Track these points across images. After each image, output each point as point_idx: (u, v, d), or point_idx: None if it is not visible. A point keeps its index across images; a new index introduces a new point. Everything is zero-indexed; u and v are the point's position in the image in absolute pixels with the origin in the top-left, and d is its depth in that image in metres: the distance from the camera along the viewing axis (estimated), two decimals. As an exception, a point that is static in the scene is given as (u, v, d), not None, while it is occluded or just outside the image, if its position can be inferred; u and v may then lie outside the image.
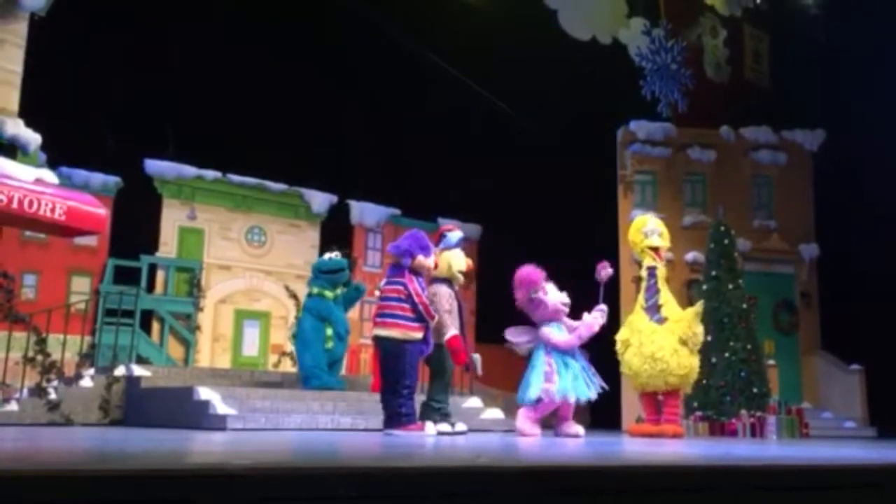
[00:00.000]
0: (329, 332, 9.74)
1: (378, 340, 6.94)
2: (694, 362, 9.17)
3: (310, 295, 9.93)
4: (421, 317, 6.88)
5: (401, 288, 6.87)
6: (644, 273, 9.60)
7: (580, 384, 7.86)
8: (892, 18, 14.44)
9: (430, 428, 6.86)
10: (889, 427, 13.11)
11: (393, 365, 6.81)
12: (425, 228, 16.13)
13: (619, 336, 9.41)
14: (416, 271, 7.00)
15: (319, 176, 14.91)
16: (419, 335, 6.82)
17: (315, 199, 15.14)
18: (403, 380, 6.78)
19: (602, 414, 14.10)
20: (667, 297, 9.45)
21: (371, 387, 9.92)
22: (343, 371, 10.74)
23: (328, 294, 9.85)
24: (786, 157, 16.31)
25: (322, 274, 9.90)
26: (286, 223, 15.05)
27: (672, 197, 15.94)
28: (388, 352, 6.84)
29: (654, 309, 9.29)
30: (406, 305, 6.82)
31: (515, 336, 8.14)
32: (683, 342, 9.08)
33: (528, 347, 8.09)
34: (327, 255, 10.24)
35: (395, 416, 6.77)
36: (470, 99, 15.30)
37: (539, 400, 7.74)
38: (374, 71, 14.56)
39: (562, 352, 7.92)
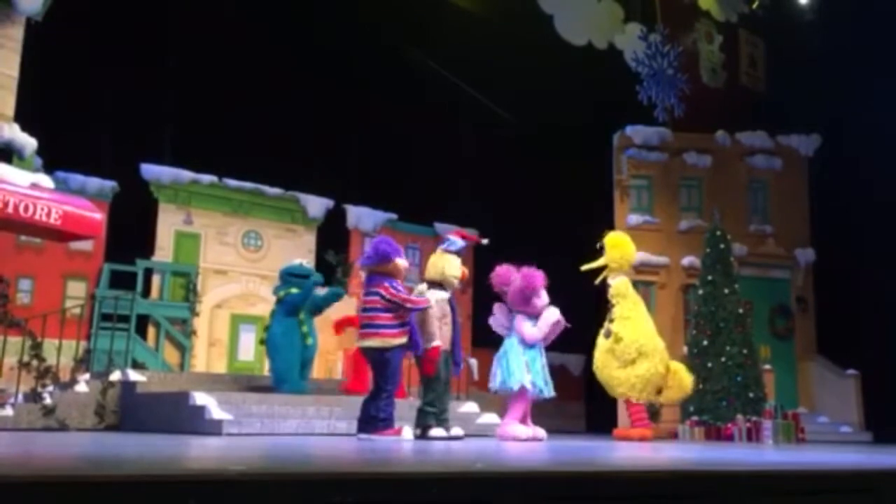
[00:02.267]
0: (305, 328, 9.76)
1: (364, 351, 7.05)
2: (623, 375, 9.88)
3: (279, 301, 9.92)
4: (402, 322, 6.92)
5: (376, 298, 6.88)
6: None
7: (539, 381, 8.08)
8: (887, 23, 14.50)
9: (408, 432, 6.83)
10: (884, 431, 13.13)
11: (377, 371, 6.92)
12: (422, 233, 16.30)
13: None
14: (388, 275, 6.99)
15: (316, 180, 14.90)
16: (400, 340, 6.88)
17: (311, 203, 15.13)
18: (386, 385, 6.85)
19: (597, 418, 14.14)
20: (621, 312, 10.04)
21: (342, 387, 9.95)
22: (313, 374, 10.80)
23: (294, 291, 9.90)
24: (781, 162, 16.35)
25: (290, 277, 9.95)
26: (282, 228, 15.02)
27: (668, 202, 15.97)
28: (374, 360, 6.94)
29: (607, 325, 9.99)
30: (384, 314, 6.85)
31: (499, 313, 8.39)
32: (614, 355, 9.91)
33: (501, 331, 8.39)
34: (297, 261, 10.34)
35: (372, 420, 6.78)
36: (466, 104, 15.31)
37: (522, 389, 7.98)
38: (371, 76, 14.57)
39: (532, 346, 8.13)
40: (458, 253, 7.88)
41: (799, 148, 16.52)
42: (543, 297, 8.30)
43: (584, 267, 10.19)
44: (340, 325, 10.87)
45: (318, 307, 10.20)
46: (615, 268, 10.25)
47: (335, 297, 10.47)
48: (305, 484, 2.33)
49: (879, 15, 14.54)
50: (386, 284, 6.89)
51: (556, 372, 10.41)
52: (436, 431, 7.27)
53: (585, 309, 10.92)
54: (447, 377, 7.72)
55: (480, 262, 15.40)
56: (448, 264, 7.73)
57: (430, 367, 7.36)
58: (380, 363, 6.86)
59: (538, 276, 8.26)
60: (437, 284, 7.65)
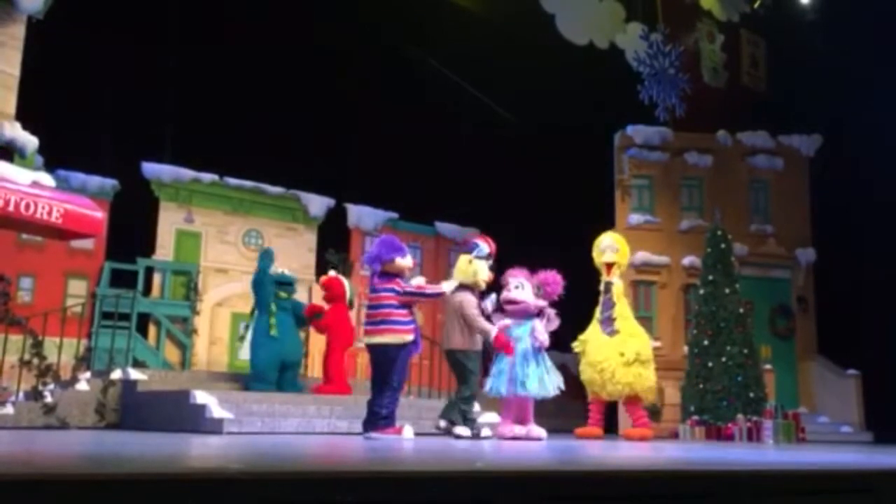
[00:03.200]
0: (274, 331, 9.73)
1: (372, 347, 6.94)
2: (643, 372, 9.97)
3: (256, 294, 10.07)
4: (412, 319, 6.95)
5: (390, 294, 6.88)
6: (602, 287, 10.28)
7: (499, 382, 8.19)
8: (888, 23, 14.49)
9: (409, 432, 6.84)
10: (885, 432, 13.13)
11: (386, 368, 6.82)
12: (423, 232, 16.30)
13: (575, 346, 10.32)
14: (395, 273, 6.99)
15: (317, 179, 14.90)
16: (411, 337, 6.87)
17: (312, 202, 15.12)
18: (391, 381, 6.80)
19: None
20: (622, 311, 10.29)
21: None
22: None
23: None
24: (782, 162, 16.34)
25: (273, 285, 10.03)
26: (283, 226, 15.02)
27: (669, 201, 15.96)
28: (384, 356, 6.84)
29: (607, 322, 10.19)
30: (399, 310, 6.85)
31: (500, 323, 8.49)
32: (624, 354, 9.96)
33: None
34: (280, 269, 10.38)
35: (374, 417, 6.76)
36: (467, 103, 15.30)
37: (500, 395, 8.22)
38: (372, 74, 14.57)
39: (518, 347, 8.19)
40: (486, 258, 8.12)
41: (800, 148, 16.50)
42: (508, 295, 8.42)
43: (604, 261, 10.36)
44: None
45: (300, 318, 10.30)
46: (622, 266, 10.52)
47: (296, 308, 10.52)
48: (305, 483, 2.33)
49: (880, 15, 14.53)
50: (398, 280, 6.93)
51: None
52: (460, 430, 7.42)
53: (585, 308, 10.93)
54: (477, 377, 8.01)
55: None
56: (480, 269, 8.01)
57: (510, 348, 7.85)
58: (391, 360, 6.80)
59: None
60: (467, 288, 7.88)
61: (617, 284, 10.35)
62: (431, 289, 7.19)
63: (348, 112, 14.56)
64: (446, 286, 7.40)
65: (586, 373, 10.11)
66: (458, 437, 7.30)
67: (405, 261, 7.03)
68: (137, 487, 2.11)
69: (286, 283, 10.21)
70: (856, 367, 14.79)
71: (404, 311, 6.87)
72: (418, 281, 7.30)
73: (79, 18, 11.51)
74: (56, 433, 7.34)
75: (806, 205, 16.32)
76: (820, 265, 15.90)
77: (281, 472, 2.41)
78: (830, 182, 15.37)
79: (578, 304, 10.13)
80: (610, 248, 10.39)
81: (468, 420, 7.83)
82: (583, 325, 10.61)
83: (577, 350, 10.33)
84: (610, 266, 10.35)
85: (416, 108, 14.50)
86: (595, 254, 10.54)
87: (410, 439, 6.63)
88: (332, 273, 10.96)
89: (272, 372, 9.63)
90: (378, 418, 6.72)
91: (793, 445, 10.06)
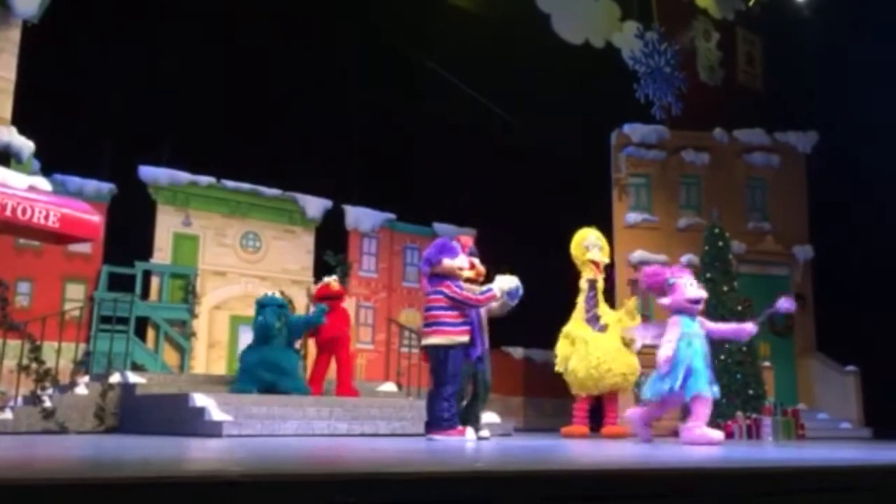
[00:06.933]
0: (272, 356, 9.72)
1: (426, 349, 7.17)
2: (635, 362, 10.02)
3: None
4: (465, 321, 7.05)
5: (440, 297, 7.05)
6: (584, 285, 10.28)
7: (703, 380, 7.41)
8: (884, 20, 14.51)
9: (471, 433, 7.01)
10: (884, 428, 13.15)
11: (439, 370, 7.01)
12: (420, 233, 16.28)
13: (560, 351, 10.12)
14: (446, 275, 7.13)
15: (314, 181, 14.89)
16: (463, 339, 7.02)
17: (310, 204, 15.11)
18: (447, 385, 6.96)
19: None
20: (604, 308, 10.39)
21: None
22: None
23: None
24: (779, 160, 16.36)
25: (261, 308, 10.02)
26: (281, 229, 15.01)
27: (666, 200, 15.97)
28: (435, 358, 7.05)
29: (594, 320, 10.29)
30: (448, 312, 7.02)
31: (643, 332, 8.46)
32: (625, 343, 9.99)
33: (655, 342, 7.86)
34: (269, 293, 10.59)
35: (437, 420, 6.94)
36: (464, 103, 15.30)
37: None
38: (369, 75, 14.57)
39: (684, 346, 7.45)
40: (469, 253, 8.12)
41: (797, 145, 16.52)
42: (685, 287, 7.84)
43: (590, 258, 10.39)
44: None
45: (297, 330, 10.26)
46: (603, 263, 10.66)
47: (318, 319, 10.31)
48: (305, 484, 2.33)
49: (876, 11, 14.55)
50: (448, 283, 7.06)
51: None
52: (483, 432, 7.52)
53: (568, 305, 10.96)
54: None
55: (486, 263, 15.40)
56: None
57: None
58: (440, 361, 6.98)
59: (658, 273, 8.22)
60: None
61: (600, 281, 10.46)
62: (479, 299, 7.18)
63: (345, 113, 14.55)
64: (497, 289, 7.23)
65: (580, 370, 9.96)
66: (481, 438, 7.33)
67: (454, 261, 7.14)
68: (138, 491, 2.11)
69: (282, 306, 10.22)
70: (855, 363, 14.81)
71: (455, 314, 7.03)
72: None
73: (74, 23, 11.50)
74: (55, 438, 7.34)
75: (803, 202, 16.34)
76: (818, 262, 15.92)
77: (281, 475, 2.41)
78: (827, 178, 15.39)
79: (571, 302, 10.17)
80: (596, 245, 10.50)
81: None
82: (562, 321, 10.54)
83: (565, 349, 10.21)
84: (596, 264, 10.42)
85: (412, 108, 14.49)
86: (577, 250, 10.55)
87: (472, 440, 6.79)
88: (329, 282, 10.90)
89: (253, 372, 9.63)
90: (440, 420, 6.90)
91: (792, 442, 10.07)
